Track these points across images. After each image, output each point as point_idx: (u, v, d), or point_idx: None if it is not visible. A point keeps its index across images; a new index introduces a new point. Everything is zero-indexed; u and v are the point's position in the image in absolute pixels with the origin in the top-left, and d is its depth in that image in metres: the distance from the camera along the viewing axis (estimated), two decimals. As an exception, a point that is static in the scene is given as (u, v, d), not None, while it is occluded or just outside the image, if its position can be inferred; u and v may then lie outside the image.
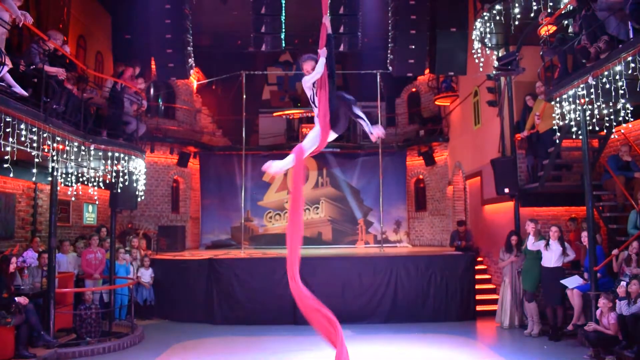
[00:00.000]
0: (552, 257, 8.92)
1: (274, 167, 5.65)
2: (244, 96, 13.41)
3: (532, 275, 9.31)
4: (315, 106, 5.60)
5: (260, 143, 16.82)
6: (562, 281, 8.70)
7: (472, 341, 9.20)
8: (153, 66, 12.73)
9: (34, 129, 6.86)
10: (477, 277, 11.41)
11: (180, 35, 11.79)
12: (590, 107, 7.70)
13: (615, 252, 8.03)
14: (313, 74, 5.51)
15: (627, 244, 7.87)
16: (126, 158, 9.34)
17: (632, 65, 6.25)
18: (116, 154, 9.07)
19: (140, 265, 11.32)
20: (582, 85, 7.39)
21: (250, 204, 15.84)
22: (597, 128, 8.16)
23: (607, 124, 8.20)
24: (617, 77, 6.57)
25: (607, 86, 6.79)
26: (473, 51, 11.18)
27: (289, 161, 5.58)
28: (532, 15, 9.26)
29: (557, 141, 9.14)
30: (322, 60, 5.51)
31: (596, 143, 9.68)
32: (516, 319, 9.88)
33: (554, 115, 8.70)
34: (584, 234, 8.51)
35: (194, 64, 12.44)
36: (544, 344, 8.62)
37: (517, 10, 9.42)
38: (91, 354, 8.15)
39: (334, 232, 15.78)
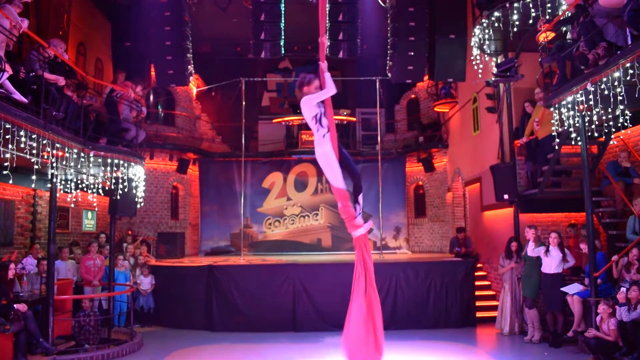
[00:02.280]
0: (552, 263, 8.91)
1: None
2: (244, 103, 13.43)
3: (532, 282, 9.30)
4: (322, 126, 5.35)
5: (259, 149, 16.83)
6: (562, 288, 8.69)
7: (472, 348, 9.17)
8: (153, 73, 12.76)
9: (33, 136, 6.86)
10: (477, 283, 11.38)
11: (179, 42, 11.82)
12: (589, 113, 7.72)
13: (615, 258, 8.03)
14: (328, 89, 5.28)
15: (626, 250, 7.87)
16: (125, 165, 9.34)
17: (631, 71, 6.26)
18: (115, 161, 9.07)
19: (140, 272, 11.29)
20: (580, 92, 7.41)
21: (250, 211, 15.82)
22: (596, 134, 8.19)
23: (606, 130, 8.23)
24: (616, 83, 6.59)
25: (606, 92, 6.81)
26: (472, 58, 11.22)
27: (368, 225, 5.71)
28: (531, 22, 9.30)
29: (556, 147, 9.14)
30: (328, 75, 5.35)
31: (595, 149, 9.70)
32: (516, 325, 9.86)
33: (552, 121, 8.72)
34: (583, 242, 8.52)
35: (193, 71, 12.46)
36: (544, 351, 8.60)
37: (515, 17, 9.45)
38: (90, 361, 8.13)
39: (333, 238, 15.76)
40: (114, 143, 9.31)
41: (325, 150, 5.33)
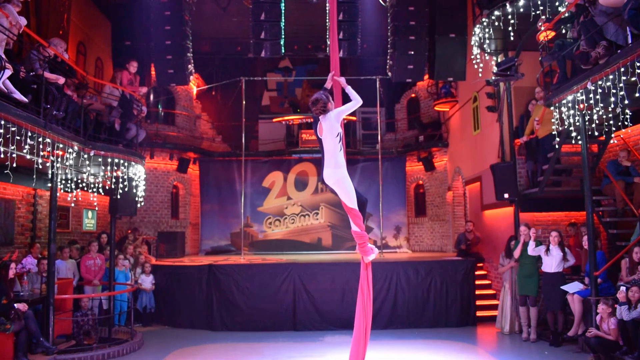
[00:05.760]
0: (552, 262, 8.91)
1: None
2: (244, 102, 13.44)
3: (533, 281, 9.30)
4: (342, 147, 5.31)
5: (259, 149, 16.84)
6: (562, 287, 8.69)
7: (472, 347, 9.17)
8: (153, 72, 12.76)
9: (33, 135, 6.87)
10: (478, 282, 11.39)
11: (180, 42, 11.81)
12: (589, 112, 7.72)
13: (623, 262, 7.99)
14: (356, 100, 5.28)
15: (627, 249, 7.88)
16: (126, 164, 9.35)
17: (631, 70, 6.26)
18: (116, 160, 9.08)
19: (141, 271, 11.31)
20: (581, 91, 7.41)
21: (250, 210, 15.84)
22: (596, 133, 8.19)
23: (606, 129, 8.23)
24: (616, 82, 6.59)
25: (606, 91, 6.80)
26: (472, 57, 11.22)
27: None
28: (531, 21, 9.29)
29: (557, 146, 9.15)
30: (349, 87, 5.42)
31: (595, 148, 9.69)
32: (516, 324, 9.86)
33: (553, 120, 8.72)
34: (585, 239, 8.51)
35: (193, 70, 12.46)
36: (544, 350, 8.60)
37: (516, 16, 9.44)
38: (90, 361, 8.13)
39: (333, 237, 15.77)
40: (114, 142, 9.33)
41: (343, 175, 5.28)
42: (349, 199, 5.33)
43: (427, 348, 8.97)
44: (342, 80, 5.65)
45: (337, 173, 5.26)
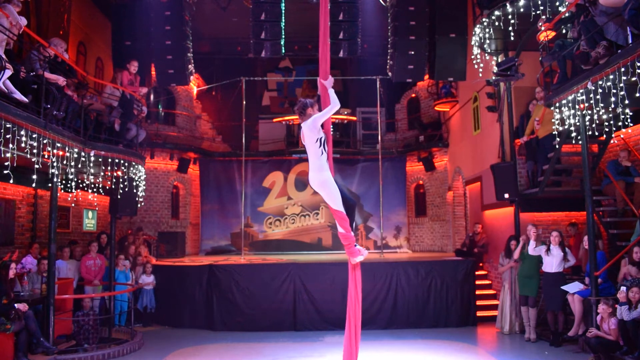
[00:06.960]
0: (553, 262, 8.90)
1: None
2: (244, 102, 13.44)
3: (534, 281, 9.30)
4: (325, 151, 5.44)
5: (260, 149, 16.84)
6: (563, 287, 8.69)
7: (473, 347, 9.17)
8: (153, 72, 12.77)
9: (34, 135, 6.87)
10: (478, 282, 11.39)
11: (180, 42, 11.82)
12: (589, 112, 7.71)
13: (625, 265, 7.99)
14: (333, 104, 5.33)
15: (627, 249, 7.87)
16: (126, 164, 9.35)
17: (631, 70, 6.26)
18: (116, 160, 9.08)
19: (142, 272, 11.30)
20: (581, 91, 7.40)
21: (250, 210, 15.83)
22: (596, 133, 8.18)
23: (607, 129, 8.22)
24: (617, 82, 6.59)
25: (607, 91, 6.80)
26: (472, 57, 11.22)
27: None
28: (531, 21, 9.29)
29: (557, 146, 9.14)
30: (332, 91, 5.44)
31: (596, 148, 9.69)
32: (516, 324, 9.86)
33: (553, 120, 8.71)
34: (585, 239, 8.51)
35: (193, 70, 12.47)
36: (544, 350, 8.60)
37: (516, 16, 9.44)
38: (90, 361, 8.13)
39: (334, 238, 15.74)
40: (114, 142, 9.33)
41: (325, 178, 5.40)
42: (333, 202, 5.43)
43: (427, 348, 8.97)
44: (328, 82, 5.61)
45: (319, 177, 5.41)
